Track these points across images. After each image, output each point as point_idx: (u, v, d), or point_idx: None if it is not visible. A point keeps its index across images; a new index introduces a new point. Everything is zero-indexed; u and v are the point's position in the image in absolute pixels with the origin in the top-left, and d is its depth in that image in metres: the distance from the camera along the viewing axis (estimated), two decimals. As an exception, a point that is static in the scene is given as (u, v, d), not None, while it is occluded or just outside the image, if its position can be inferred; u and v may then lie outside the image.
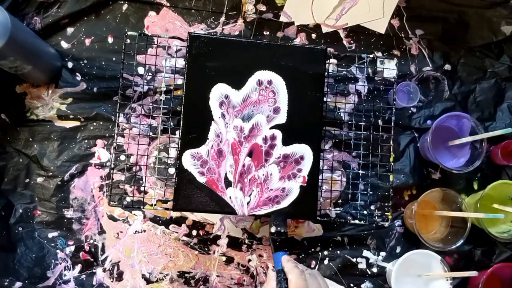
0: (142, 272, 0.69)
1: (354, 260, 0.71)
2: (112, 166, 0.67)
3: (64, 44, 0.72)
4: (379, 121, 0.70)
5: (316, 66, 0.62)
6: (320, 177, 0.64)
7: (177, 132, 0.69)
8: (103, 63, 0.72)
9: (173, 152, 0.70)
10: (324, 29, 0.74)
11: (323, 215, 0.69)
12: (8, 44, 0.57)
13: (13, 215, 0.69)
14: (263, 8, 0.74)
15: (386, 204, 0.70)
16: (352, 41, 0.75)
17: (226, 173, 0.60)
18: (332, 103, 0.72)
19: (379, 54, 0.74)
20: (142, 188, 0.69)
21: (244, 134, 0.61)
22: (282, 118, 0.61)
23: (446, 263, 0.66)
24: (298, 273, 0.49)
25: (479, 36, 0.75)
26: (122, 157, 0.70)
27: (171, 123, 0.70)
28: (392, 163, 0.67)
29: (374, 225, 0.71)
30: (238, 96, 0.61)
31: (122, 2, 0.73)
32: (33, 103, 0.70)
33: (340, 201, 0.70)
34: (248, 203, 0.60)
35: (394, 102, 0.69)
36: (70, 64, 0.71)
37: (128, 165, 0.70)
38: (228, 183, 0.60)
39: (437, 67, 0.75)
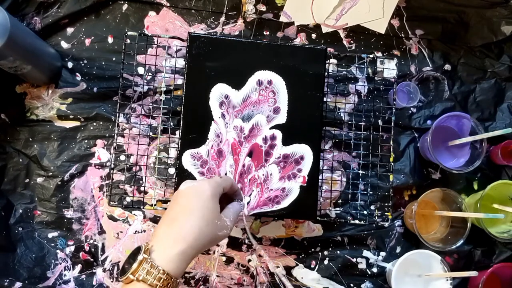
0: (142, 272, 0.69)
1: (354, 260, 0.71)
2: (112, 166, 0.67)
3: (64, 44, 0.72)
4: (379, 121, 0.70)
5: (316, 66, 0.62)
6: (320, 177, 0.64)
7: (177, 132, 0.69)
8: (103, 63, 0.72)
9: (173, 152, 0.70)
10: (324, 29, 0.74)
11: (323, 215, 0.69)
12: (7, 44, 0.57)
13: (13, 215, 0.69)
14: (263, 8, 0.74)
15: (386, 204, 0.70)
16: (352, 41, 0.75)
17: (226, 173, 0.60)
18: (332, 103, 0.72)
19: (379, 54, 0.74)
20: (142, 188, 0.69)
21: (244, 134, 0.61)
22: (282, 118, 0.61)
23: (446, 263, 0.66)
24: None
25: (479, 36, 0.75)
26: (122, 157, 0.70)
27: (171, 123, 0.70)
28: (392, 163, 0.67)
29: (374, 225, 0.71)
30: (238, 96, 0.61)
31: (122, 2, 0.73)
32: (33, 103, 0.70)
33: (340, 201, 0.70)
34: (248, 203, 0.60)
35: (394, 102, 0.69)
36: (70, 64, 0.71)
37: (128, 165, 0.70)
38: (228, 183, 0.60)
39: (437, 67, 0.75)
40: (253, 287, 0.70)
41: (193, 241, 0.45)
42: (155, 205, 0.67)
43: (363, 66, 0.73)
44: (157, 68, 0.71)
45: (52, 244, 0.69)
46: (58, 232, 0.69)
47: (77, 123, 0.71)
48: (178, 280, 0.44)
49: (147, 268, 0.42)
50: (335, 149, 0.71)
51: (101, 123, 0.71)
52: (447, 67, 0.75)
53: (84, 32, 0.72)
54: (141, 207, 0.67)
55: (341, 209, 0.70)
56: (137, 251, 0.44)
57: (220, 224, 0.48)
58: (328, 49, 0.65)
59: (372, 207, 0.71)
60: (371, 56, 0.70)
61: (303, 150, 0.61)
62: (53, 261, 0.68)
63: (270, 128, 0.61)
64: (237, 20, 0.74)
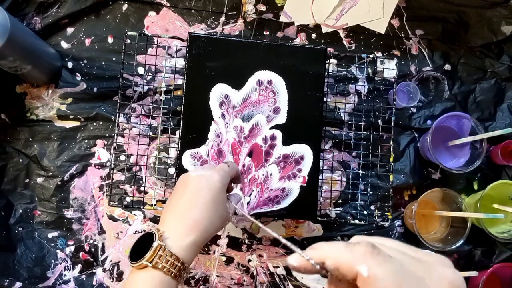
0: (142, 272, 0.69)
1: (354, 260, 0.71)
2: (112, 166, 0.67)
3: (64, 44, 0.72)
4: (379, 121, 0.70)
5: (316, 66, 0.62)
6: (320, 177, 0.64)
7: (177, 132, 0.69)
8: (103, 63, 0.72)
9: (173, 152, 0.70)
10: (324, 29, 0.74)
11: (323, 215, 0.69)
12: (7, 44, 0.57)
13: (13, 215, 0.69)
14: (263, 8, 0.74)
15: (386, 204, 0.70)
16: (352, 41, 0.75)
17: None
18: (332, 103, 0.72)
19: (379, 54, 0.74)
20: (142, 188, 0.69)
21: (244, 134, 0.61)
22: (282, 118, 0.61)
23: (446, 263, 0.66)
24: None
25: (479, 36, 0.75)
26: (122, 157, 0.70)
27: (171, 123, 0.70)
28: (392, 163, 0.67)
29: (374, 225, 0.71)
30: (238, 96, 0.61)
31: (122, 2, 0.73)
32: (33, 103, 0.70)
33: (340, 201, 0.70)
34: (248, 203, 0.60)
35: (394, 102, 0.69)
36: (70, 64, 0.71)
37: (128, 165, 0.70)
38: (228, 183, 0.60)
39: (437, 67, 0.75)
40: (253, 287, 0.70)
41: (204, 232, 0.46)
42: (155, 205, 0.67)
43: (363, 66, 0.73)
44: (157, 68, 0.71)
45: (52, 244, 0.69)
46: (58, 232, 0.69)
47: (77, 123, 0.71)
48: (189, 268, 0.46)
49: (162, 255, 0.42)
50: (335, 149, 0.71)
51: (101, 123, 0.71)
52: (447, 67, 0.75)
53: (84, 32, 0.72)
54: (141, 207, 0.67)
55: (341, 209, 0.70)
56: (148, 236, 0.44)
57: (226, 215, 0.49)
58: (328, 49, 0.65)
59: (372, 207, 0.71)
60: (371, 56, 0.70)
61: (303, 150, 0.61)
62: (53, 261, 0.68)
63: (270, 128, 0.61)
64: (237, 20, 0.74)
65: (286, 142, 0.61)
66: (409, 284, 0.23)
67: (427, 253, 0.26)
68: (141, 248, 0.43)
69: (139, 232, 0.70)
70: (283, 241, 0.31)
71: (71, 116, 0.71)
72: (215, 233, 0.49)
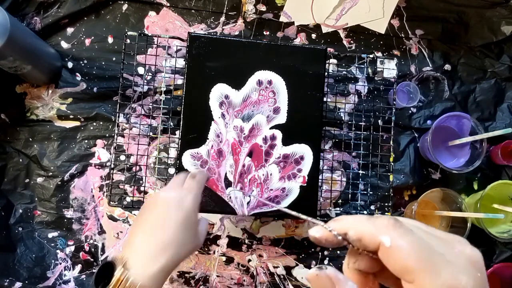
0: (142, 272, 0.69)
1: (354, 260, 0.71)
2: (112, 166, 0.67)
3: (64, 44, 0.72)
4: (379, 121, 0.70)
5: (316, 66, 0.62)
6: (320, 177, 0.64)
7: (177, 132, 0.69)
8: (103, 63, 0.72)
9: (173, 152, 0.70)
10: (324, 29, 0.74)
11: (323, 215, 0.69)
12: (7, 44, 0.57)
13: (13, 215, 0.69)
14: (263, 8, 0.74)
15: (386, 204, 0.70)
16: (352, 41, 0.75)
17: (226, 173, 0.60)
18: (332, 103, 0.72)
19: (379, 54, 0.74)
20: (142, 188, 0.69)
21: (244, 134, 0.61)
22: (282, 118, 0.61)
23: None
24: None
25: (479, 36, 0.75)
26: (122, 157, 0.70)
27: (171, 123, 0.70)
28: (392, 163, 0.67)
29: (374, 225, 0.71)
30: (238, 96, 0.61)
31: (122, 2, 0.73)
32: (33, 103, 0.70)
33: (340, 201, 0.70)
34: (248, 203, 0.60)
35: (394, 102, 0.69)
36: (70, 64, 0.71)
37: (128, 165, 0.70)
38: (228, 183, 0.60)
39: (437, 67, 0.75)
40: (253, 287, 0.70)
41: (175, 255, 0.43)
42: (155, 205, 0.67)
43: (363, 66, 0.73)
44: (157, 68, 0.71)
45: (52, 244, 0.69)
46: (58, 232, 0.69)
47: (77, 123, 0.71)
48: None
49: (126, 287, 0.39)
50: (335, 149, 0.71)
51: (101, 123, 0.71)
52: (447, 67, 0.75)
53: (84, 32, 0.72)
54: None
55: (341, 209, 0.70)
56: (108, 266, 0.40)
57: (196, 239, 0.47)
58: (328, 49, 0.65)
59: (372, 207, 0.71)
60: (371, 56, 0.70)
61: (303, 150, 0.61)
62: (53, 261, 0.68)
63: (270, 128, 0.61)
64: (237, 20, 0.74)
65: (286, 142, 0.61)
66: (431, 256, 0.24)
67: (443, 232, 0.27)
68: (105, 274, 0.40)
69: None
70: (303, 217, 0.30)
71: (71, 116, 0.71)
72: (186, 258, 0.46)
